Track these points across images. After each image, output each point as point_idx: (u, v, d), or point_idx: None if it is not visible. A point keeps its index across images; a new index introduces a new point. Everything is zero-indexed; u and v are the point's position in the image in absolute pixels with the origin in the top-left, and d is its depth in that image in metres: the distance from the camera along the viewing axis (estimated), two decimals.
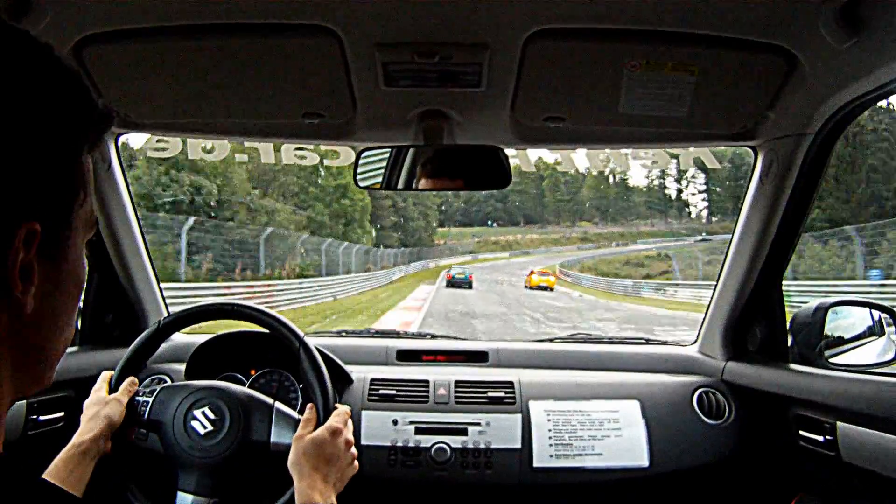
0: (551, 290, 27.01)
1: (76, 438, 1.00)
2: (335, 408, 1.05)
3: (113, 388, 1.09)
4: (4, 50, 0.40)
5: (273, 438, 1.03)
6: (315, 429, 1.00)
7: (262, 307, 1.16)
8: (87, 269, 0.50)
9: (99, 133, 0.48)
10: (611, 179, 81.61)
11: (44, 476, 0.94)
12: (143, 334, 1.16)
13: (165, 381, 1.16)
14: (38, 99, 0.41)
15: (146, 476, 1.07)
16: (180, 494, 1.01)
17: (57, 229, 0.44)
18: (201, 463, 1.01)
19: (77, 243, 0.47)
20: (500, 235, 69.88)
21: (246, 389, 1.09)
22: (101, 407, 1.03)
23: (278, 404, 1.06)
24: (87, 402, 1.07)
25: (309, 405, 1.05)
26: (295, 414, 1.05)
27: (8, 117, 0.39)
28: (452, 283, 27.18)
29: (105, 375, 1.12)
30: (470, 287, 26.59)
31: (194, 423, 1.03)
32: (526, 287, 27.99)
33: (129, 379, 1.10)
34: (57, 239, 0.44)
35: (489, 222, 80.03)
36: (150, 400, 1.07)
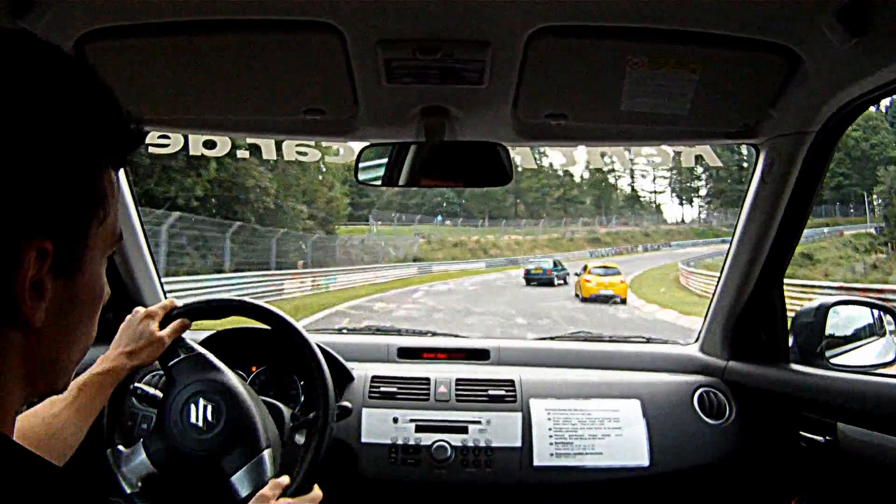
0: (624, 301, 16.10)
1: (115, 361, 0.98)
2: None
3: (165, 322, 1.07)
4: (16, 61, 0.39)
5: (233, 478, 0.97)
6: (283, 495, 0.94)
7: (300, 328, 1.14)
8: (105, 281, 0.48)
9: (126, 150, 0.46)
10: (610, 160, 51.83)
11: (78, 386, 0.91)
12: (215, 296, 1.15)
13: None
14: (50, 118, 0.39)
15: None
16: (137, 447, 1.01)
17: (72, 247, 0.42)
18: (170, 439, 1.00)
19: (95, 258, 0.45)
20: (464, 235, 40.07)
21: (257, 417, 1.03)
22: (146, 344, 1.02)
23: (266, 454, 1.00)
24: (135, 319, 1.04)
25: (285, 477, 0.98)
26: (269, 474, 0.98)
27: (17, 135, 0.38)
28: (531, 279, 21.59)
29: (167, 304, 1.10)
30: (551, 284, 20.62)
31: (192, 409, 1.02)
32: (578, 298, 16.81)
33: (182, 321, 1.09)
34: (72, 256, 0.42)
35: (439, 218, 47.90)
36: (183, 356, 1.06)
